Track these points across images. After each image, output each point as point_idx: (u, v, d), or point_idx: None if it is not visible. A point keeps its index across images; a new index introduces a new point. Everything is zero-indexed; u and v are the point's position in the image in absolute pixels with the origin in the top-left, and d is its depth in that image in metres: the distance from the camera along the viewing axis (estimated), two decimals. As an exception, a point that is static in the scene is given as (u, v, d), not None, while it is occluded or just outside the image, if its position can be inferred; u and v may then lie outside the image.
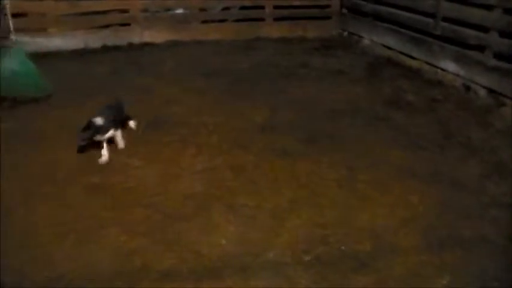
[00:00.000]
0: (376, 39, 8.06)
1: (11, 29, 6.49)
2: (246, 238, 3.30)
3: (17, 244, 3.23)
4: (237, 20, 8.87)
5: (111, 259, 3.10)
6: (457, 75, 6.31)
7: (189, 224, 3.42)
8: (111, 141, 4.41)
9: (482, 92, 5.88)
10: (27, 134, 4.75)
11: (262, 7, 8.84)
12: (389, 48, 7.65)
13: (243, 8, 8.88)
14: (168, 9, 8.80)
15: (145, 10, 8.27)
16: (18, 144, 4.52)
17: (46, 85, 5.67)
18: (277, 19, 8.92)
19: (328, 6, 9.09)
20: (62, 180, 3.96)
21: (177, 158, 4.31)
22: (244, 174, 4.09)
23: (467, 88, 6.07)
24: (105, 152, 4.28)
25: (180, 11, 8.86)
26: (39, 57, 6.82)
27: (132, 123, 4.83)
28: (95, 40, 7.77)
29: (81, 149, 4.31)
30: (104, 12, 8.06)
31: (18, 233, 3.34)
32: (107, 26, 8.00)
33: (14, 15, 6.71)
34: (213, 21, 8.80)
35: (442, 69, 6.58)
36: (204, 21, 8.75)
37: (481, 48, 6.01)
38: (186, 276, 2.94)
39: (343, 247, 3.21)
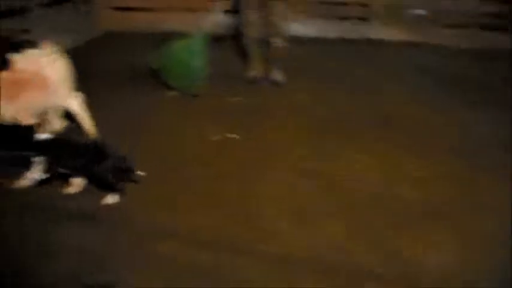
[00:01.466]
0: None
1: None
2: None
3: (245, 214, 3.42)
4: (482, 27, 8.28)
5: (327, 249, 3.11)
6: None
7: (404, 235, 3.26)
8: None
9: None
10: (262, 112, 5.04)
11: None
12: None
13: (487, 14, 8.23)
14: (410, 8, 8.56)
15: (386, 6, 8.15)
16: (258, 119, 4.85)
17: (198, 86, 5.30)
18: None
19: None
20: (292, 163, 4.09)
21: (402, 161, 4.16)
22: (472, 190, 3.78)
23: None
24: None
25: (422, 11, 8.57)
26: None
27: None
28: (332, 31, 7.90)
29: None
30: (345, 4, 8.14)
31: (250, 203, 3.54)
32: (345, 18, 8.07)
33: None
34: (455, 26, 8.34)
35: None
36: (447, 25, 8.33)
37: None
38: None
39: None
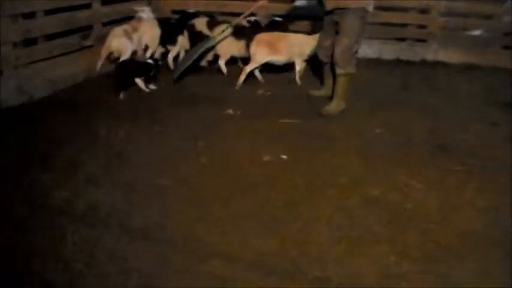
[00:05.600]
0: None
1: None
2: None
3: (295, 237, 3.44)
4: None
5: (377, 276, 3.10)
6: None
7: (461, 264, 3.22)
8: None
9: None
10: (318, 135, 5.06)
11: None
12: None
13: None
14: (466, 30, 8.46)
15: (443, 28, 8.07)
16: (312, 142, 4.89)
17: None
18: None
19: None
20: (344, 186, 4.09)
21: (459, 189, 4.11)
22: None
23: None
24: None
25: (478, 32, 8.45)
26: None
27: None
28: (389, 52, 7.87)
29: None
30: (402, 25, 8.11)
31: (298, 226, 3.55)
32: (402, 39, 8.03)
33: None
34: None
35: None
36: (505, 47, 8.19)
37: None
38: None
39: None
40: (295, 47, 6.45)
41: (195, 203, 3.79)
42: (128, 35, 6.58)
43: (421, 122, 5.42)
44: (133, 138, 4.83)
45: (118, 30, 6.58)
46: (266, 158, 4.51)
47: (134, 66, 6.22)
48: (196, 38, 6.85)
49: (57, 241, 3.31)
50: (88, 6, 6.70)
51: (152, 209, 3.69)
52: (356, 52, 5.74)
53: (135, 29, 6.71)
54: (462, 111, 5.88)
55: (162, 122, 5.18)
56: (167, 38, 7.14)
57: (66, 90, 6.08)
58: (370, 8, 5.56)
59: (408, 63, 7.70)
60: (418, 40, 8.09)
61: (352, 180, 4.19)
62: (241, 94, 6.18)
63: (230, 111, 5.56)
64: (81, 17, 6.58)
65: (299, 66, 6.56)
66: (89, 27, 6.75)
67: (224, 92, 6.27)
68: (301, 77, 6.60)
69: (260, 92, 6.33)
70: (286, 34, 6.65)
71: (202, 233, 3.43)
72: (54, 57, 6.15)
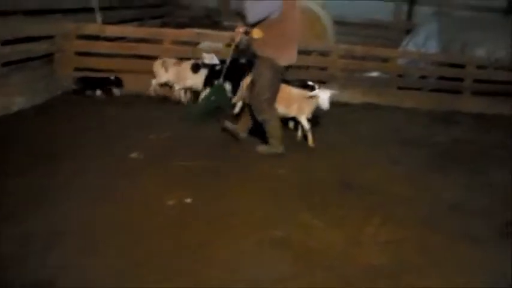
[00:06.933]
0: None
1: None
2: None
3: (192, 282, 3.35)
4: (434, 90, 8.69)
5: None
6: None
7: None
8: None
9: None
10: (221, 176, 5.04)
11: (462, 79, 8.61)
12: None
13: (441, 78, 8.73)
14: (365, 72, 8.93)
15: (343, 70, 8.44)
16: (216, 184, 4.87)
17: None
18: (476, 93, 8.63)
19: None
20: (248, 227, 4.08)
21: (361, 225, 4.23)
22: (429, 254, 3.89)
23: None
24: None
25: (375, 74, 8.96)
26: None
27: None
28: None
29: None
30: (306, 68, 8.39)
31: (196, 270, 3.48)
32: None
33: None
34: (409, 88, 8.73)
35: None
36: (400, 88, 8.70)
37: None
38: None
39: None
40: (294, 102, 5.93)
41: (92, 252, 3.60)
42: (164, 65, 7.83)
43: (326, 161, 5.59)
44: (34, 187, 4.54)
45: (160, 60, 7.94)
46: (170, 202, 4.39)
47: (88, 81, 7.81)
48: None
49: None
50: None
51: (48, 260, 3.48)
52: (267, 99, 5.61)
53: (176, 64, 7.84)
54: (365, 149, 6.16)
55: (66, 170, 4.92)
56: (209, 80, 7.47)
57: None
58: (281, 62, 5.50)
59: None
60: (321, 82, 8.36)
61: (256, 221, 4.19)
62: (138, 137, 5.93)
63: (134, 154, 5.37)
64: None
65: (304, 124, 5.99)
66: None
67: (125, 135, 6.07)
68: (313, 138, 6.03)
69: (152, 136, 6.06)
70: (284, 86, 5.92)
71: (98, 283, 3.28)
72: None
